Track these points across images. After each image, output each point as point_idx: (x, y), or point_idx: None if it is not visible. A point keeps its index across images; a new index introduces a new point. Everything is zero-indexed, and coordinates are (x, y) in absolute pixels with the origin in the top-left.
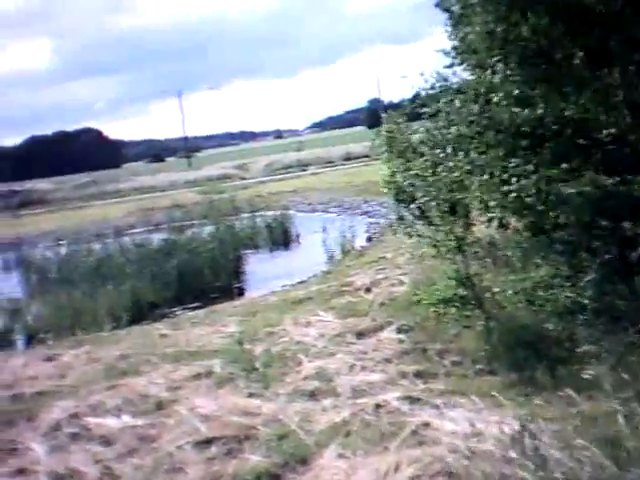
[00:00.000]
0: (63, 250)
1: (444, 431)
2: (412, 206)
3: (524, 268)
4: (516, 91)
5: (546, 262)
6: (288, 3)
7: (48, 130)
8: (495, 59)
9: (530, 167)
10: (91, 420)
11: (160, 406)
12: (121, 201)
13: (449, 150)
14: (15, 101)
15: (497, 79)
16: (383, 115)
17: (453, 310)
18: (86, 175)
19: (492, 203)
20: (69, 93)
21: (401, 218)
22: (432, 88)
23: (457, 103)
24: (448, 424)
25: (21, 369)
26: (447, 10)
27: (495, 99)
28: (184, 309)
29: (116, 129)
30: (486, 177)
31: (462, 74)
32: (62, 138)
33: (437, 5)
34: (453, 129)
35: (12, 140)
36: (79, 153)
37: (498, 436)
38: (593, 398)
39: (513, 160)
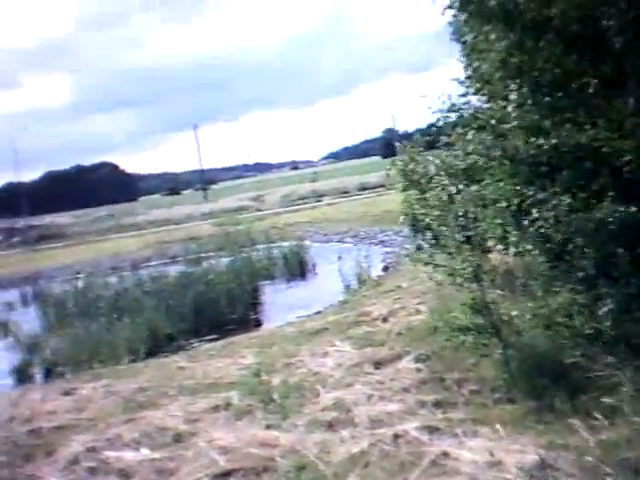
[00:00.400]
0: (80, 283)
1: (464, 461)
2: (428, 235)
3: (542, 295)
4: (530, 120)
5: (564, 290)
6: (303, 35)
7: (66, 164)
8: (509, 88)
9: (547, 197)
10: (109, 454)
11: (178, 439)
12: (138, 234)
13: (463, 183)
14: (33, 136)
15: (511, 108)
16: (397, 145)
17: (470, 339)
18: (103, 209)
19: (509, 236)
20: (87, 127)
21: (419, 248)
22: (448, 111)
23: (470, 135)
24: (467, 454)
25: (39, 403)
26: (460, 41)
27: (509, 127)
28: (201, 341)
29: (133, 162)
30: (502, 206)
31: (476, 103)
32: (79, 172)
33: (452, 36)
34: (467, 159)
35: (30, 175)
36: (96, 187)
37: (518, 465)
38: (615, 425)
39: (530, 188)
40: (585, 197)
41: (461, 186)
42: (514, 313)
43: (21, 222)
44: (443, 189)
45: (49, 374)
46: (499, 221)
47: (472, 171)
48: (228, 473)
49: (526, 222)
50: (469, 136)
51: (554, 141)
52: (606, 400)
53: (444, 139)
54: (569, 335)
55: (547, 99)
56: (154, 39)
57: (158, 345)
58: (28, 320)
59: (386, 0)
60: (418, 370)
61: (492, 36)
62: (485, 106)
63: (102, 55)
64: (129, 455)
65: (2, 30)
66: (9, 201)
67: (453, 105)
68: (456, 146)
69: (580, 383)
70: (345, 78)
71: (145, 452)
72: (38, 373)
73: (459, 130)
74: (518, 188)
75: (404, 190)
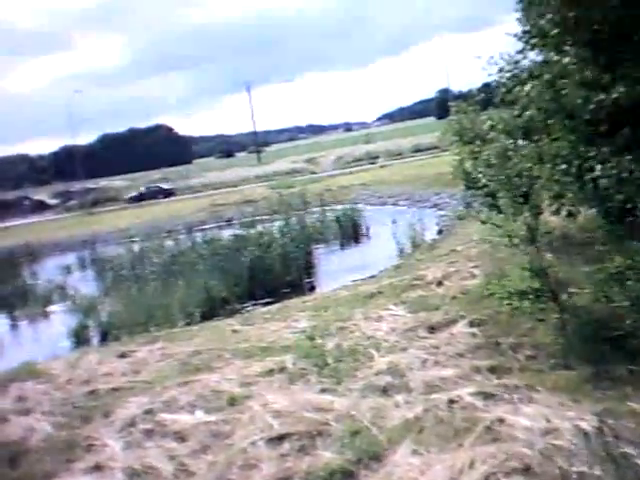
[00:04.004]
0: (136, 247)
1: (519, 427)
2: (482, 194)
3: (598, 259)
4: (589, 74)
5: (620, 252)
6: None
7: (121, 127)
8: (567, 43)
9: (607, 155)
10: (165, 416)
11: (233, 402)
12: (192, 197)
13: (520, 139)
14: (88, 99)
15: (569, 62)
16: (452, 104)
17: (527, 303)
18: (158, 172)
19: (567, 195)
20: (141, 89)
21: (469, 205)
22: (501, 70)
23: (528, 87)
24: (523, 420)
25: (96, 365)
26: None
27: (568, 82)
28: (255, 304)
29: (187, 125)
30: (562, 167)
31: (534, 58)
32: (134, 135)
33: None
34: (524, 114)
35: (86, 138)
36: (151, 149)
37: (574, 432)
38: None
39: (589, 148)
40: None
41: (519, 141)
42: (570, 281)
43: (77, 185)
44: (498, 147)
45: (105, 337)
46: (557, 179)
47: (529, 128)
48: (282, 437)
49: (585, 181)
50: (527, 87)
51: (614, 96)
52: None
53: (500, 97)
54: (626, 300)
55: (606, 53)
56: None
57: (213, 308)
58: (85, 283)
59: None
60: (473, 335)
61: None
62: (541, 59)
63: (156, 15)
64: (185, 418)
65: None
66: (65, 164)
67: (509, 62)
68: (511, 102)
69: (638, 348)
70: (399, 37)
71: (200, 415)
72: (95, 336)
73: (515, 84)
74: (576, 146)
75: (458, 148)
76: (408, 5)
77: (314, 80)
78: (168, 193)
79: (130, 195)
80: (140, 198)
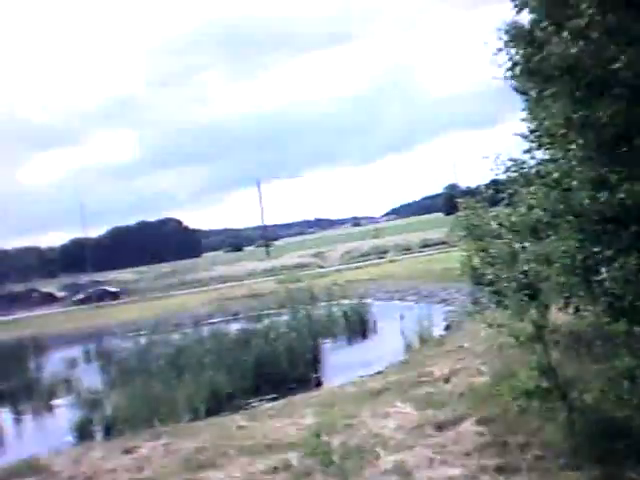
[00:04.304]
0: (142, 340)
1: None
2: (488, 289)
3: (607, 357)
4: (595, 174)
5: (629, 351)
6: (364, 91)
7: (131, 220)
8: (573, 142)
9: (614, 254)
10: None
11: None
12: (200, 291)
13: (527, 240)
14: (99, 192)
15: (575, 163)
16: (460, 200)
17: (535, 402)
18: (167, 265)
19: (574, 295)
20: (152, 184)
21: (476, 302)
22: (507, 170)
23: (533, 189)
24: None
25: (99, 461)
26: (524, 92)
27: (574, 183)
28: (261, 400)
29: (196, 218)
30: (567, 263)
31: (541, 156)
32: (144, 228)
33: (515, 89)
34: (532, 213)
35: (96, 231)
36: (160, 243)
37: None
38: None
39: (596, 245)
40: None
41: (526, 244)
42: (579, 380)
43: (86, 278)
44: (506, 245)
45: (109, 431)
46: (564, 279)
47: (536, 228)
48: None
49: (593, 281)
50: (532, 189)
51: (620, 196)
52: None
53: (507, 195)
54: (636, 400)
55: (612, 153)
56: (218, 96)
57: (218, 403)
58: (90, 376)
59: (447, 56)
60: (480, 434)
61: (555, 89)
62: (547, 157)
63: (167, 112)
64: None
65: (71, 88)
66: (75, 257)
67: (516, 162)
68: (520, 202)
69: None
70: (407, 134)
71: None
72: (99, 430)
73: (522, 188)
74: (584, 245)
75: (466, 244)
76: (413, 104)
77: (322, 176)
78: (114, 296)
79: (76, 297)
80: (85, 300)
